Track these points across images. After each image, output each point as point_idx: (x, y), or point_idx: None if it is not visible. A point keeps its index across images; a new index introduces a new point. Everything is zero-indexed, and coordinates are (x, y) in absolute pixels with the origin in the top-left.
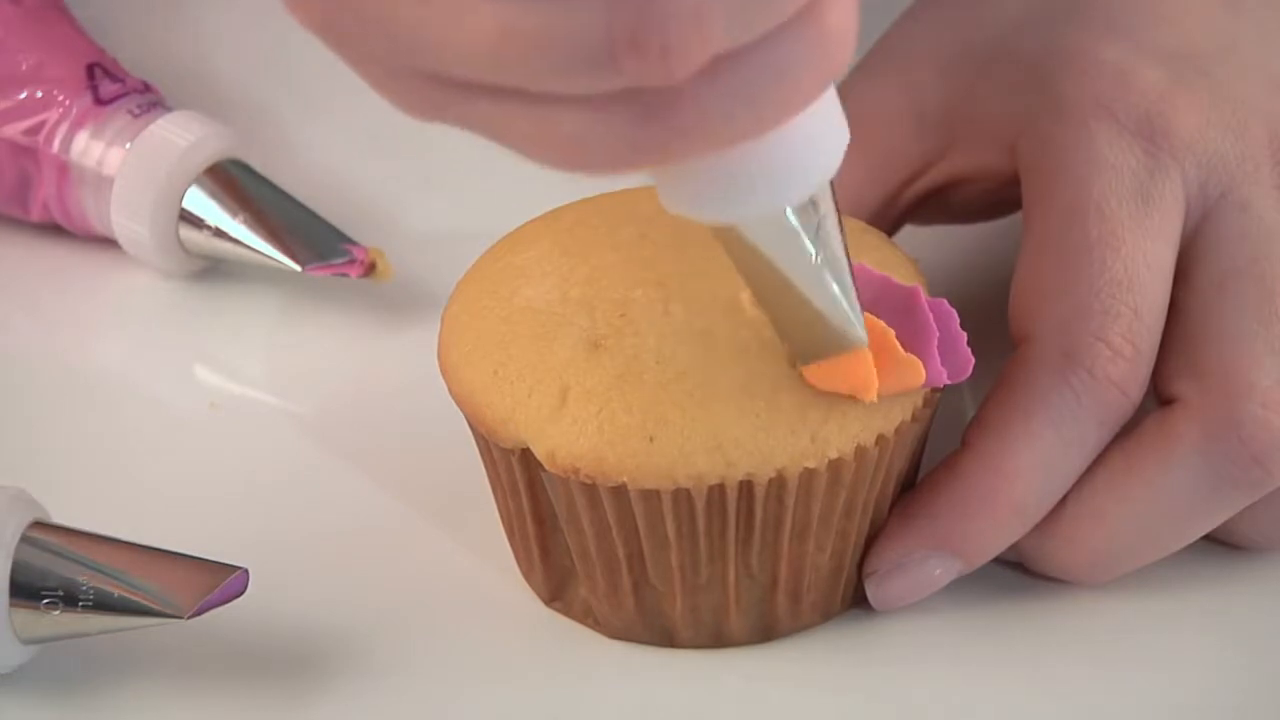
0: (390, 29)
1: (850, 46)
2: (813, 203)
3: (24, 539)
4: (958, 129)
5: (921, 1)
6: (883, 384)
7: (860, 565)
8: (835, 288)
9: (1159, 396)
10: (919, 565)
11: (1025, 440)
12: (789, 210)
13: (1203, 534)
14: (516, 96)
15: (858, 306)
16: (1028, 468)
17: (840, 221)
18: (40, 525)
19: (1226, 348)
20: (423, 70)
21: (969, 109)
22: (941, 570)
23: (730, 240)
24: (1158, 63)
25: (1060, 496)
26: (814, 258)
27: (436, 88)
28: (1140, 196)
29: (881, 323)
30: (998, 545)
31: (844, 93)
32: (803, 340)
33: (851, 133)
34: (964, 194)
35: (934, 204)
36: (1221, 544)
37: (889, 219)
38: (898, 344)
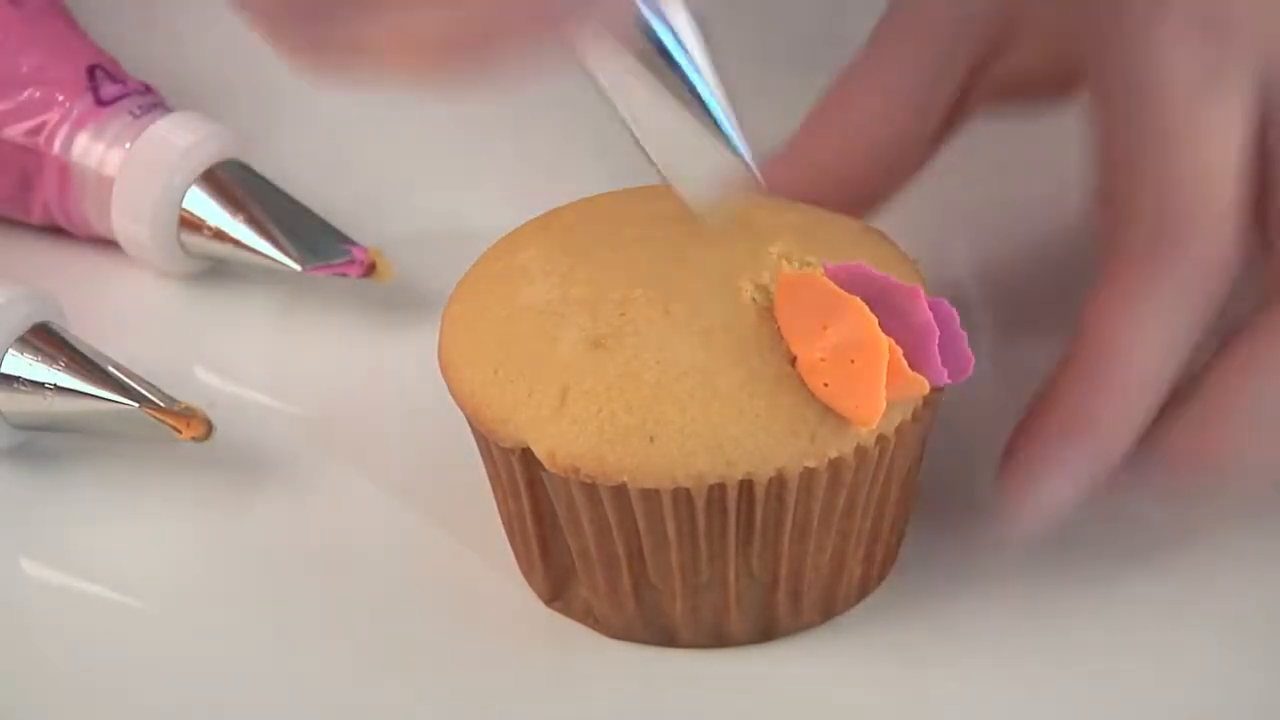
0: None
1: None
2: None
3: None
4: (1011, 28)
5: None
6: (886, 396)
7: (863, 563)
8: (704, 90)
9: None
10: (1056, 462)
11: (1134, 319)
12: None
13: None
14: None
15: (733, 119)
16: (1141, 342)
17: (697, 39)
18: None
19: None
20: None
21: (1019, 11)
22: (1077, 459)
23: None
24: None
25: (1179, 366)
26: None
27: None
28: (1211, 84)
29: (889, 340)
30: (1127, 423)
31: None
32: (687, 168)
33: (900, 37)
34: (1012, 96)
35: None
36: (1224, 546)
37: (936, 118)
38: (905, 362)
